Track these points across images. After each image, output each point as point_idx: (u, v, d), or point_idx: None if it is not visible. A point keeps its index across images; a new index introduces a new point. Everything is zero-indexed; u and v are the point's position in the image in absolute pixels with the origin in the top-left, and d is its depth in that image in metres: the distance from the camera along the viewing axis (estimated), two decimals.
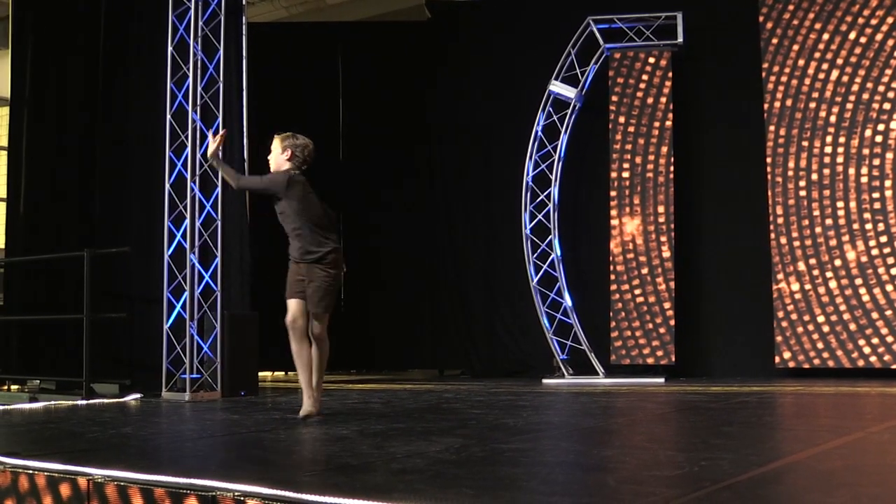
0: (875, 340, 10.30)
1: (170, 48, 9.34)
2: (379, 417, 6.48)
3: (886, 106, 10.51)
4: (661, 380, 10.47)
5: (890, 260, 10.33)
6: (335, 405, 7.54)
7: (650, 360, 11.00)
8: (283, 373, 12.88)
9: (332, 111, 13.68)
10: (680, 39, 11.16)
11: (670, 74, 11.32)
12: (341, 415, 6.74)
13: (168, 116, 9.28)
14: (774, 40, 11.02)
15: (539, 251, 11.26)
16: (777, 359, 10.61)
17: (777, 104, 10.91)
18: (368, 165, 13.31)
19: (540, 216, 11.31)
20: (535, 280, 11.19)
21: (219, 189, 9.09)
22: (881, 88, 10.55)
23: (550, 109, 11.41)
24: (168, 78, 9.33)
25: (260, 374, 9.69)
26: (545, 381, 10.70)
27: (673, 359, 10.91)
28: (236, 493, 3.45)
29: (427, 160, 13.08)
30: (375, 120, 13.39)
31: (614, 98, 11.46)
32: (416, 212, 13.08)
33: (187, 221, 9.00)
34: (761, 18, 11.10)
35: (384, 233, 13.22)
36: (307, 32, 13.78)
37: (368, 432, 5.45)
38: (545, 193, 11.32)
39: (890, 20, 10.56)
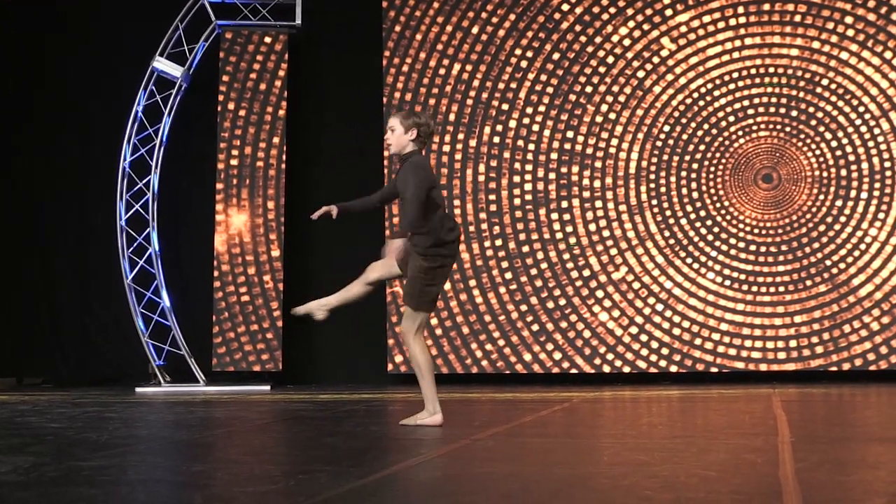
0: (488, 346, 10.88)
1: None
2: None
3: (504, 106, 11.14)
4: (267, 387, 10.56)
5: (504, 263, 10.96)
6: None
7: (256, 367, 11.01)
8: None
9: None
10: (298, 21, 11.24)
11: (286, 58, 11.39)
12: None
13: None
14: (397, 28, 11.37)
15: (135, 245, 10.98)
16: (390, 365, 10.96)
17: (397, 96, 11.28)
18: None
19: (137, 206, 11.02)
20: (130, 277, 10.89)
21: None
22: (501, 86, 11.17)
23: (154, 88, 11.14)
24: None
25: None
26: (139, 389, 10.47)
27: (280, 365, 11.00)
28: None
29: (6, 136, 12.25)
30: None
31: (225, 79, 11.36)
32: None
33: None
34: (385, 4, 11.41)
35: None
36: None
37: None
38: (144, 181, 11.05)
39: (512, 17, 11.21)
